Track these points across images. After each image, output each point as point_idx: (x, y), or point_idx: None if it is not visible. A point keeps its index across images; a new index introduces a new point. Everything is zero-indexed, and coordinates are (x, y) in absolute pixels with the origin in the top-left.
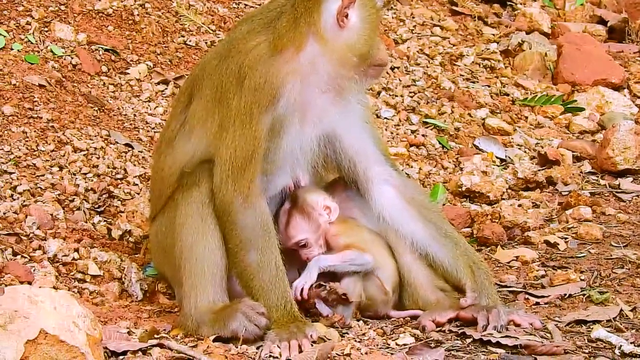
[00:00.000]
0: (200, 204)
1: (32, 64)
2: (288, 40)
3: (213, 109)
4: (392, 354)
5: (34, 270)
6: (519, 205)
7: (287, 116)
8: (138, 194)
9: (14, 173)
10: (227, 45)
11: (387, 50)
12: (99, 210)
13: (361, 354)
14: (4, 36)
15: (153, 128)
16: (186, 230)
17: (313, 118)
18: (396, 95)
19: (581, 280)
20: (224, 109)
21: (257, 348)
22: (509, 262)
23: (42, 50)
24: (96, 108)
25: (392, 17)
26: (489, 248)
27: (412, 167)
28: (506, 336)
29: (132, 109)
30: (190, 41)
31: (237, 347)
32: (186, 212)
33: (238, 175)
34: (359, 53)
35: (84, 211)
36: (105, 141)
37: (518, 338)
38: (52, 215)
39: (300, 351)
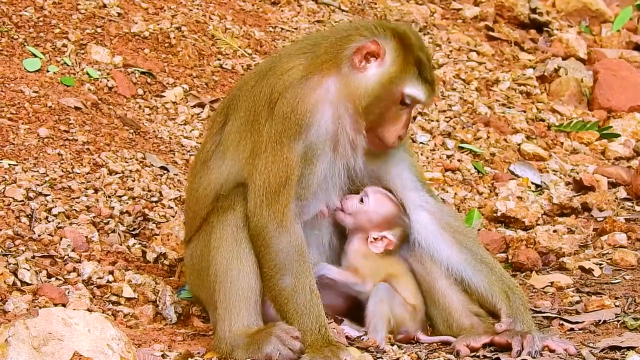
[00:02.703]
0: (235, 228)
1: (68, 86)
2: (318, 67)
3: (246, 132)
4: None
5: (68, 293)
6: (554, 231)
7: (320, 144)
8: (173, 216)
9: (49, 195)
10: (265, 66)
11: (400, 141)
12: (133, 233)
13: None
14: (40, 58)
15: (188, 151)
16: (221, 254)
17: (346, 145)
18: (432, 120)
19: (616, 306)
20: (256, 133)
21: None
22: (543, 288)
23: (78, 72)
24: (132, 131)
25: (429, 42)
26: (523, 273)
27: (447, 192)
28: None
29: (168, 131)
30: (226, 64)
31: None
32: (221, 236)
33: (272, 200)
34: (363, 105)
35: (118, 234)
36: (141, 164)
37: None
38: (86, 237)
39: None
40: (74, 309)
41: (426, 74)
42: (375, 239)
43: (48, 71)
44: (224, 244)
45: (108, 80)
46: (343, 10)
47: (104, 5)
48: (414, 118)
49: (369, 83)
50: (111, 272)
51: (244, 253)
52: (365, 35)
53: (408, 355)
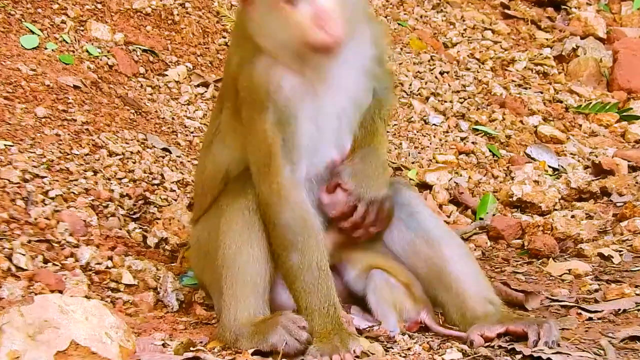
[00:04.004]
0: (246, 210)
1: (66, 64)
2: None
3: (234, 120)
4: None
5: (65, 279)
6: (572, 217)
7: (292, 102)
8: (175, 200)
9: (46, 177)
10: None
11: (330, 32)
12: (134, 217)
13: None
14: (38, 35)
15: (192, 132)
16: (230, 237)
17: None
18: (445, 101)
19: (636, 294)
20: (239, 119)
21: None
22: (561, 276)
23: (77, 50)
24: (133, 111)
25: (442, 20)
26: (540, 260)
27: (461, 175)
28: (558, 352)
29: (171, 112)
30: None
31: None
32: (231, 219)
33: (265, 174)
34: (270, 36)
35: (118, 218)
36: (142, 145)
37: (570, 354)
38: (85, 221)
39: None
40: (71, 296)
41: None
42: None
43: (46, 48)
44: (234, 227)
45: (108, 58)
46: None
47: None
48: (427, 99)
49: (257, 10)
50: (110, 258)
51: (255, 238)
52: None
53: (420, 345)
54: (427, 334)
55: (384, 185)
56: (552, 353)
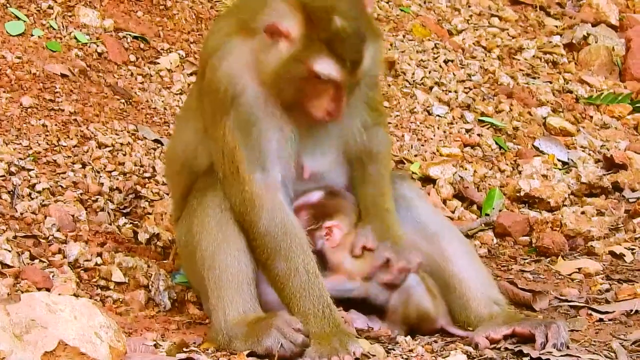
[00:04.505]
0: (218, 209)
1: (53, 51)
2: (241, 30)
3: (197, 99)
4: None
5: (53, 276)
6: (582, 213)
7: (252, 107)
8: (167, 194)
9: (32, 170)
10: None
11: (332, 117)
12: (124, 211)
13: None
14: (24, 21)
15: None
16: (205, 238)
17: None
18: (450, 91)
19: None
20: (201, 102)
21: None
22: (570, 275)
23: (64, 36)
24: (123, 100)
25: (447, 6)
26: (549, 259)
27: (466, 169)
28: (567, 355)
29: (162, 101)
30: None
31: None
32: (203, 219)
33: (233, 181)
34: (270, 80)
35: (108, 212)
36: (133, 136)
37: (580, 357)
38: (73, 216)
39: None
40: (59, 294)
41: (338, 49)
42: (328, 229)
43: (32, 35)
44: (208, 228)
45: (97, 46)
46: None
47: None
48: (430, 89)
49: (276, 59)
50: (100, 254)
51: (231, 235)
52: (275, 10)
53: (422, 347)
54: (430, 335)
55: (402, 238)
56: (561, 355)
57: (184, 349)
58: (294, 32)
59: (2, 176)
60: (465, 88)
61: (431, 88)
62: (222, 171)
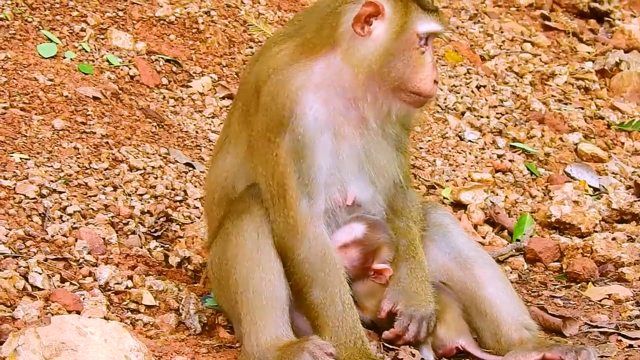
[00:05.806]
0: (253, 233)
1: (86, 74)
2: (307, 51)
3: (242, 124)
4: None
5: (83, 299)
6: (613, 239)
7: (310, 133)
8: (198, 217)
9: (64, 192)
10: (258, 51)
11: (437, 85)
12: (155, 234)
13: None
14: (56, 43)
15: None
16: (240, 262)
17: (346, 133)
18: (482, 117)
19: None
20: (248, 126)
21: None
22: (600, 301)
23: (97, 59)
24: (155, 123)
25: (479, 32)
26: (579, 284)
27: (497, 194)
28: None
29: (194, 125)
30: None
31: None
32: (237, 242)
33: (280, 206)
34: (381, 69)
35: (139, 235)
36: (164, 160)
37: None
38: (104, 239)
39: None
40: (90, 317)
41: (426, 4)
42: (376, 271)
43: (64, 57)
44: (243, 251)
45: (130, 69)
46: None
47: None
48: (462, 114)
49: (381, 42)
50: (130, 277)
51: (267, 260)
52: (354, 1)
53: None
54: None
55: (431, 299)
56: None
57: None
58: (387, 6)
59: (33, 199)
60: (497, 114)
61: (463, 113)
62: (269, 192)
